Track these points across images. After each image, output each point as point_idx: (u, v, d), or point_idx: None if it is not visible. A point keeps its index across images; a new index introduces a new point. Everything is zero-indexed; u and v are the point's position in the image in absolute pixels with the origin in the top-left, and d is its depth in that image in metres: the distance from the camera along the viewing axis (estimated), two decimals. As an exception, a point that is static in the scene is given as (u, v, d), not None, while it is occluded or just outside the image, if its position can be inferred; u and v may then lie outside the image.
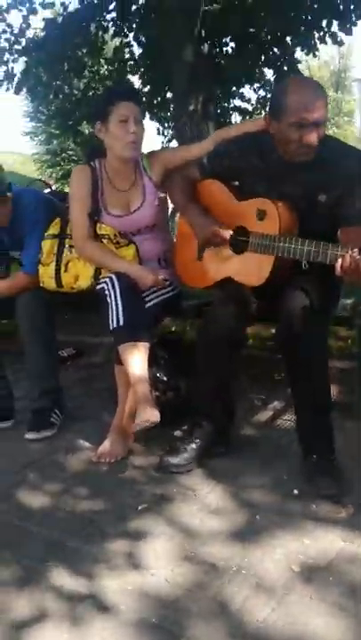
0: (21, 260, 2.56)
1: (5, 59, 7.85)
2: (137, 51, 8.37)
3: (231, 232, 2.17)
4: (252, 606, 1.49)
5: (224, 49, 7.81)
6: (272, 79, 8.16)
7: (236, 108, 8.97)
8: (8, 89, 7.93)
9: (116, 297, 2.20)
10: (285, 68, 7.72)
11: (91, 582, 1.62)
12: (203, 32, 6.71)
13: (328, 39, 7.28)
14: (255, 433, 2.45)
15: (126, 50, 8.49)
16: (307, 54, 7.68)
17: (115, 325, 2.17)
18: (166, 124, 9.19)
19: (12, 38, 7.82)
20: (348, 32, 6.98)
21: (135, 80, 8.56)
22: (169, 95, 8.22)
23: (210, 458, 2.20)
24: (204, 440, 2.18)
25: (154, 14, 7.10)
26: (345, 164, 2.01)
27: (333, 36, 7.26)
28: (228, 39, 7.67)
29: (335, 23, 7.02)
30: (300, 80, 2.18)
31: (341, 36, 7.20)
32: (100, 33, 7.97)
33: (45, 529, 1.86)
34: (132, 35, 8.02)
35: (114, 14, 7.69)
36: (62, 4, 7.84)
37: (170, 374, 2.46)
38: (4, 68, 7.89)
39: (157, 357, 2.43)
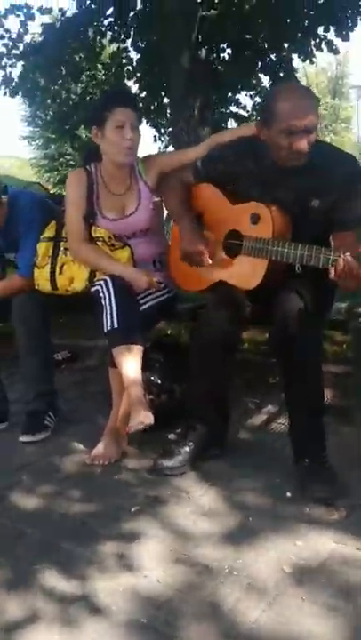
0: (17, 263, 2.57)
1: (3, 63, 7.87)
2: (134, 56, 8.42)
3: (210, 261, 2.17)
4: (244, 607, 1.50)
5: (221, 55, 7.83)
6: (268, 86, 8.19)
7: (232, 115, 8.99)
8: (5, 93, 7.95)
9: (110, 299, 2.21)
10: (281, 75, 7.75)
11: (83, 584, 1.62)
12: (200, 38, 6.74)
13: (324, 46, 7.31)
14: (249, 436, 2.46)
15: (124, 55, 8.51)
16: (303, 61, 7.69)
17: (109, 328, 2.18)
18: (163, 130, 9.21)
19: (10, 43, 7.82)
20: (346, 38, 7.01)
21: (132, 85, 8.58)
22: (166, 101, 8.25)
23: (203, 460, 2.20)
24: (198, 443, 2.19)
25: (152, 19, 7.13)
26: (338, 169, 2.02)
27: (329, 44, 7.29)
28: (225, 45, 7.69)
29: (332, 30, 7.05)
30: (290, 87, 2.18)
31: (338, 43, 7.26)
32: (98, 38, 7.99)
33: (39, 531, 1.87)
34: (129, 40, 8.05)
35: (111, 19, 7.72)
36: (60, 9, 7.90)
37: (164, 377, 2.47)
38: (2, 72, 7.91)
39: (152, 360, 2.43)
